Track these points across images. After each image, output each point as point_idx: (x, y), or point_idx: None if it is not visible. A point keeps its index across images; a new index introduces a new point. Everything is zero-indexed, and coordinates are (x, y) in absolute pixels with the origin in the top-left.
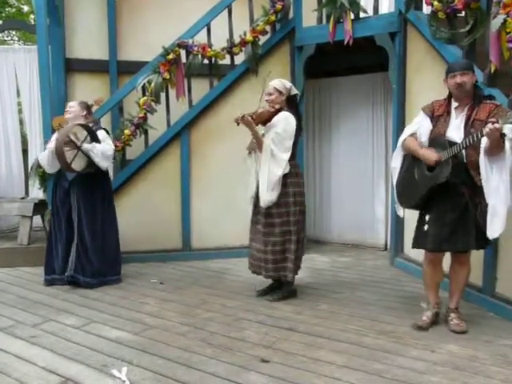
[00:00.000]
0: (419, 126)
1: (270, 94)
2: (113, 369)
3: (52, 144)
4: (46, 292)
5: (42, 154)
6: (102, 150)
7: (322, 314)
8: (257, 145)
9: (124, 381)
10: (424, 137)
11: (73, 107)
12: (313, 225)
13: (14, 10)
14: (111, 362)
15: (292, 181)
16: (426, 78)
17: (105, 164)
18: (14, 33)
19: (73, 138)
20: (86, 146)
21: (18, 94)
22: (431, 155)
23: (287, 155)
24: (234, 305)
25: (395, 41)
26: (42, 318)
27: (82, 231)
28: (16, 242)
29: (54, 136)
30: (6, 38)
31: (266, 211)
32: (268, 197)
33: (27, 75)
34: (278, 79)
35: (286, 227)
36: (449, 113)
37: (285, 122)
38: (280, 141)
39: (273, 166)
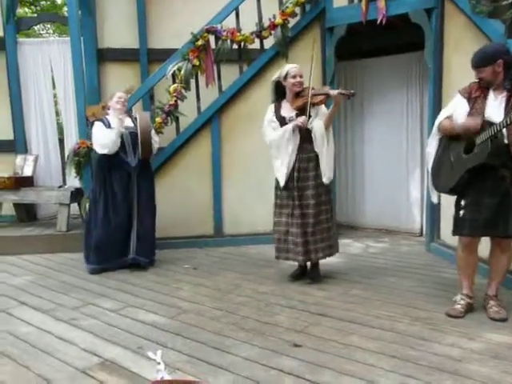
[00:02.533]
0: (455, 108)
1: (302, 77)
2: (148, 351)
3: (118, 128)
4: (84, 277)
5: (108, 137)
6: (156, 138)
7: (354, 299)
8: (328, 122)
9: (159, 363)
10: (461, 120)
11: (123, 98)
12: (346, 210)
13: (48, 2)
14: (147, 345)
15: None
16: (465, 57)
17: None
18: (48, 26)
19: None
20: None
21: (54, 86)
22: (474, 120)
23: None
24: (266, 290)
25: (431, 17)
26: (82, 302)
27: (141, 214)
28: (55, 229)
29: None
30: (41, 32)
31: (315, 192)
32: (331, 173)
33: (61, 66)
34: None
35: (329, 205)
36: (486, 94)
37: None
38: (332, 120)
39: (332, 144)
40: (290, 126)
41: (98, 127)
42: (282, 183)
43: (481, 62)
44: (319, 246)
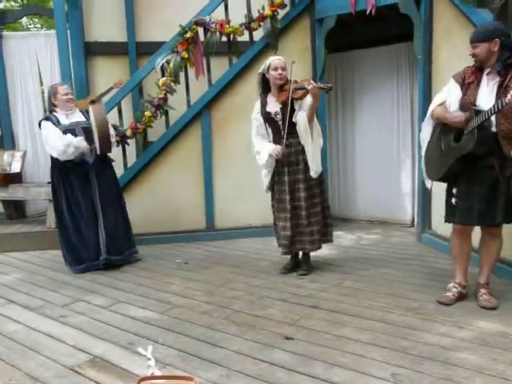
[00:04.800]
0: (448, 94)
1: (284, 69)
2: (139, 347)
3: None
4: (74, 274)
5: (60, 146)
6: (113, 130)
7: (346, 291)
8: (310, 115)
9: (150, 358)
10: (453, 106)
11: (69, 92)
12: (337, 202)
13: None
14: (137, 341)
15: None
16: (454, 47)
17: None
18: (36, 20)
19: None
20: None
21: (41, 82)
22: (458, 116)
23: None
24: (257, 283)
25: (420, 8)
26: (71, 299)
27: (106, 212)
28: (44, 225)
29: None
30: (29, 26)
31: (306, 185)
32: (320, 167)
33: (48, 60)
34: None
35: (322, 196)
36: (479, 80)
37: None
38: (315, 113)
39: (318, 137)
40: (266, 155)
41: (48, 128)
42: (264, 188)
43: (478, 36)
44: (315, 237)
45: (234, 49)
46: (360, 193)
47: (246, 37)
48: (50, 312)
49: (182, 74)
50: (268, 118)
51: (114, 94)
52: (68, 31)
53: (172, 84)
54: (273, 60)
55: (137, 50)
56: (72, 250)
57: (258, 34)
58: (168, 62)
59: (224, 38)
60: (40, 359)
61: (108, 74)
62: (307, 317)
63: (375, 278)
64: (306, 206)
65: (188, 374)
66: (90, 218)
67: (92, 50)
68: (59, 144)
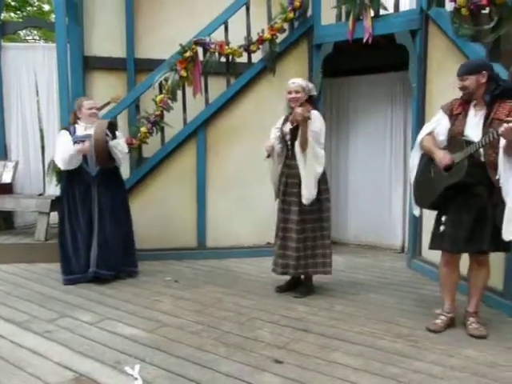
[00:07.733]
0: (437, 124)
1: (297, 92)
2: (126, 366)
3: (80, 145)
4: (61, 288)
5: (63, 154)
6: (123, 148)
7: (337, 315)
8: (302, 143)
9: (136, 378)
10: (442, 136)
11: (94, 106)
12: None
13: (34, 8)
14: (124, 359)
15: (322, 178)
16: (448, 78)
17: (124, 161)
18: (35, 32)
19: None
20: (112, 142)
21: (37, 92)
22: (444, 158)
23: (323, 153)
24: (248, 304)
25: (416, 39)
26: (58, 314)
27: (103, 225)
28: (33, 238)
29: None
30: (27, 38)
31: (299, 209)
32: (312, 194)
33: (46, 73)
34: (300, 78)
35: (318, 223)
36: (467, 111)
37: (319, 120)
38: (318, 139)
39: (315, 164)
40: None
41: (62, 137)
42: (274, 196)
43: (466, 70)
44: (304, 262)
45: (232, 70)
46: (351, 217)
47: (244, 58)
48: (36, 327)
49: (179, 93)
50: (282, 135)
51: (111, 108)
52: (68, 45)
53: (169, 101)
54: (288, 83)
55: (135, 67)
56: (65, 259)
57: (257, 56)
58: (166, 80)
59: (223, 59)
60: (24, 376)
61: (105, 89)
62: (297, 340)
63: (365, 302)
64: (297, 230)
65: None
66: (86, 230)
67: (90, 65)
68: (62, 154)
